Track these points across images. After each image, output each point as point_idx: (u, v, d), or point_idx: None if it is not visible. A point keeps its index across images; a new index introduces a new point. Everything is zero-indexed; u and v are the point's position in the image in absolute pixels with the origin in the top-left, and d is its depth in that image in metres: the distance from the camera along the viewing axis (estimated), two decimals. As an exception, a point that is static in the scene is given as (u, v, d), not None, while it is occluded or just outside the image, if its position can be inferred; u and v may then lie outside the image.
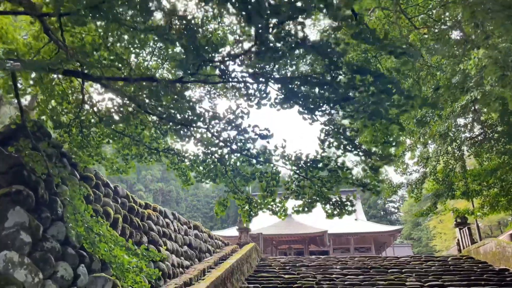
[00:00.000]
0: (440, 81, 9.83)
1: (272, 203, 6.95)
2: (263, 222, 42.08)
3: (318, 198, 6.30)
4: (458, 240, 19.48)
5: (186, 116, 5.43)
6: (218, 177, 6.76)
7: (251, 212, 7.33)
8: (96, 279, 4.60)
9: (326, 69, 3.96)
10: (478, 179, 14.44)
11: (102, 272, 7.37)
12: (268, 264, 16.51)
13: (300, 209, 6.41)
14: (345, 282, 12.85)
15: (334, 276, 13.87)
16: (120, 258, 6.36)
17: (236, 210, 74.27)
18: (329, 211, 6.57)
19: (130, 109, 6.39)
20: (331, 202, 6.43)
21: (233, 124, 5.44)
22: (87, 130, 6.95)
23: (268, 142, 5.16)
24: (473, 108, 11.93)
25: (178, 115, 5.55)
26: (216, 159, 6.42)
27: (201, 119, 5.34)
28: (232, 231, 38.06)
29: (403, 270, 14.50)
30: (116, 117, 6.64)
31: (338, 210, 6.50)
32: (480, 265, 14.95)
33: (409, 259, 16.89)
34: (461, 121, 13.35)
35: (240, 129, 5.47)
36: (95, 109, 6.55)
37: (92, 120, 6.85)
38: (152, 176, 64.84)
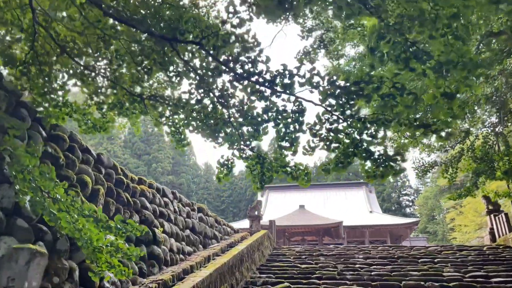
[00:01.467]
0: (494, 26, 7.90)
1: (291, 161, 5.17)
2: (275, 214, 40.27)
3: (355, 150, 4.48)
4: (490, 228, 17.43)
5: (168, 20, 3.64)
6: (219, 127, 4.98)
7: (264, 177, 5.54)
8: (16, 252, 2.95)
9: None
10: (521, 157, 12.44)
11: (72, 254, 5.66)
12: (281, 253, 14.73)
13: (332, 165, 4.60)
14: (372, 273, 11.00)
15: (357, 266, 12.03)
16: (87, 233, 4.63)
17: (248, 203, 72.62)
18: (370, 170, 4.74)
19: (98, 30, 4.64)
20: (373, 157, 4.60)
21: (236, 33, 3.63)
22: (47, 68, 5.21)
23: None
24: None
25: (155, 23, 3.76)
26: (215, 98, 4.63)
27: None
28: (243, 224, 36.37)
29: (435, 260, 12.60)
30: (81, 44, 4.90)
31: (382, 168, 4.66)
32: (523, 254, 12.98)
33: (440, 248, 14.96)
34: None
35: (245, 40, 3.66)
36: (52, 33, 4.80)
37: (53, 53, 5.12)
38: (163, 169, 63.49)
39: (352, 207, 47.24)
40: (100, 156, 7.57)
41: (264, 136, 5.17)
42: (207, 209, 12.35)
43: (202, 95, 4.64)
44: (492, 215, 16.48)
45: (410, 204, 74.60)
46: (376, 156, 4.57)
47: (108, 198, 7.19)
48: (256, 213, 20.49)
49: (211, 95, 4.56)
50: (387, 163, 4.56)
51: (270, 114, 4.31)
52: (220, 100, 4.55)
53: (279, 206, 48.05)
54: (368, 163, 4.67)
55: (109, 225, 4.67)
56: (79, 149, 6.83)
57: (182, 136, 6.16)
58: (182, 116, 5.66)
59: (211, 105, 4.71)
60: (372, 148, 4.57)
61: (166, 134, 6.48)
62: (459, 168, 12.73)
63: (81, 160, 6.80)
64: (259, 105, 4.26)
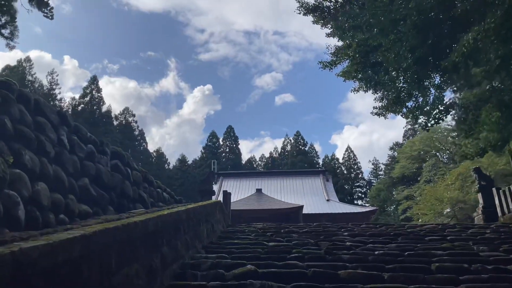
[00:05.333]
0: None
1: None
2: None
3: None
4: (483, 206, 14.24)
5: None
6: None
7: None
8: None
9: None
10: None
11: None
12: (239, 230, 10.60)
13: None
14: (375, 252, 7.15)
15: (348, 244, 8.15)
16: None
17: (200, 193, 67.87)
18: None
19: None
20: None
21: None
22: None
23: None
24: None
25: None
26: None
27: None
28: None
29: (448, 238, 8.99)
30: None
31: None
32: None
33: (440, 226, 11.48)
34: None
35: None
36: None
37: None
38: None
39: (309, 195, 44.12)
40: None
41: None
42: (130, 158, 7.96)
43: None
44: (495, 189, 13.20)
45: (363, 196, 73.17)
46: None
47: None
48: (207, 187, 16.27)
49: None
50: None
51: None
52: None
53: (234, 193, 43.93)
54: None
55: None
56: None
57: None
58: None
59: None
60: None
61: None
62: (481, 116, 9.11)
63: None
64: None
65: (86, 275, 2.98)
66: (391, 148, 69.98)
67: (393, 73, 10.86)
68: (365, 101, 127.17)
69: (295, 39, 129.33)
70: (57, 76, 58.71)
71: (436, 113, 9.43)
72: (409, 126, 67.32)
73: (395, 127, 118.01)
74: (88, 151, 6.30)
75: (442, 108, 9.34)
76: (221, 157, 71.80)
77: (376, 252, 7.12)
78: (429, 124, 9.87)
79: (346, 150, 74.64)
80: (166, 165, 73.76)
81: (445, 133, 56.55)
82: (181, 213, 6.18)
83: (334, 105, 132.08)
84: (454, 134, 52.33)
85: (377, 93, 13.12)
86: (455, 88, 9.46)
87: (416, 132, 64.25)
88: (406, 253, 7.08)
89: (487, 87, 8.51)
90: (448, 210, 35.65)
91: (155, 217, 4.88)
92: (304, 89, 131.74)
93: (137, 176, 7.98)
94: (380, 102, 12.65)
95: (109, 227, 3.39)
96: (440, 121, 9.83)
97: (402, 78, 10.77)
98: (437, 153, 57.74)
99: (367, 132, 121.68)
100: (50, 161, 5.18)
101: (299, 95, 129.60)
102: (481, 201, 14.63)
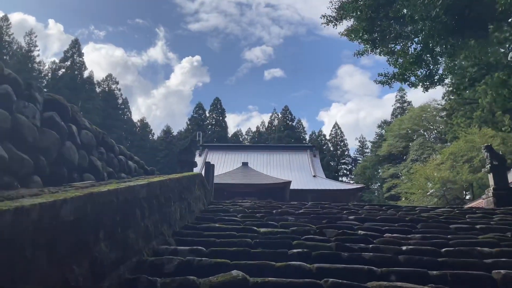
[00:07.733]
0: None
1: None
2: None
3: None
4: (494, 188, 12.67)
5: None
6: None
7: None
8: None
9: None
10: None
11: None
12: (222, 209, 8.66)
13: None
14: (403, 248, 5.30)
15: (361, 233, 6.29)
16: None
17: (184, 165, 65.83)
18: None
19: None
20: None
21: None
22: None
23: None
24: None
25: None
26: None
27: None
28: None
29: (477, 227, 7.23)
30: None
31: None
32: None
33: (457, 210, 9.77)
34: None
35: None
36: None
37: None
38: (90, 120, 54.41)
39: (295, 170, 42.58)
40: None
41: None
42: (78, 111, 5.81)
43: None
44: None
45: (348, 173, 72.30)
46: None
47: None
48: (188, 157, 14.21)
49: None
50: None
51: None
52: None
53: (219, 166, 42.09)
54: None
55: None
56: None
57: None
58: None
59: None
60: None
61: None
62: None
63: None
64: None
65: None
66: (379, 126, 68.70)
67: (414, 25, 8.83)
68: (354, 78, 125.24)
69: (287, 12, 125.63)
70: (35, 37, 54.83)
71: (472, 73, 7.54)
72: (398, 104, 65.94)
73: (382, 106, 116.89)
74: (0, 92, 4.17)
75: (483, 65, 7.41)
76: (207, 130, 69.54)
77: (404, 248, 5.27)
78: (462, 87, 8.00)
79: (334, 127, 73.14)
80: (150, 136, 71.27)
81: (434, 113, 55.28)
82: (138, 190, 4.16)
83: (323, 82, 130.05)
84: (443, 114, 50.94)
85: (388, 55, 11.16)
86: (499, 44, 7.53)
87: (405, 110, 62.92)
88: (443, 249, 5.26)
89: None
90: (433, 190, 34.47)
91: (81, 196, 2.87)
92: (294, 65, 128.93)
93: (88, 137, 5.88)
94: (392, 65, 10.74)
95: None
96: (476, 83, 7.97)
97: (425, 31, 8.75)
98: (425, 133, 56.70)
99: (354, 110, 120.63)
100: None
101: (289, 70, 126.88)
102: (491, 182, 13.03)
